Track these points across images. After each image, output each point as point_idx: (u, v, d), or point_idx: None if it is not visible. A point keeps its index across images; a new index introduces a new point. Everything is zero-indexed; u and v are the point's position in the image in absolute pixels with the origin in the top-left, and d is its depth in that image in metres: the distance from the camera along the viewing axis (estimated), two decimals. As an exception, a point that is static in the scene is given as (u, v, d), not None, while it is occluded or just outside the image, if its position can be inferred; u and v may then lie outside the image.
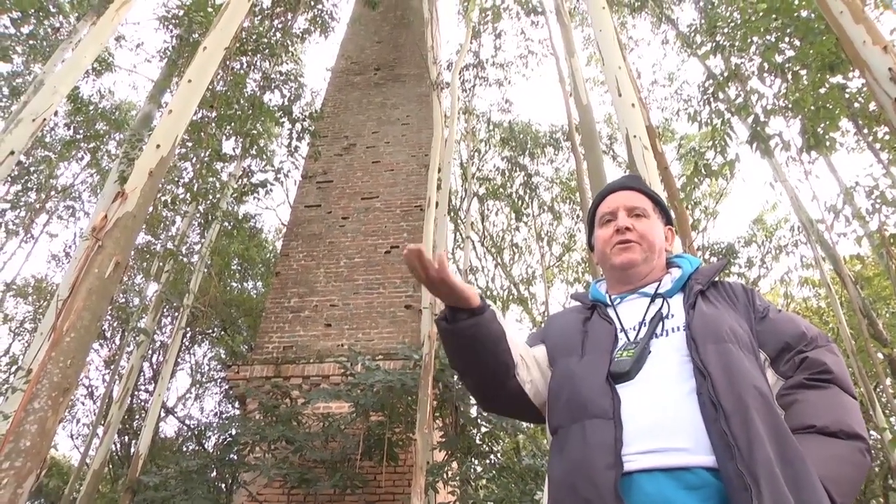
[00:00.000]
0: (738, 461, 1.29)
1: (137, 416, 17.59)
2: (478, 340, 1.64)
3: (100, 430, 11.49)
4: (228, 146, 13.08)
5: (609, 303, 1.79)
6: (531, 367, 1.75)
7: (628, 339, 1.63)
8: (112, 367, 15.51)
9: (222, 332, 18.55)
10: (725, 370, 1.44)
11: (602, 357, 1.60)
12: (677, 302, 1.69)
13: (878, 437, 9.24)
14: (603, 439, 1.42)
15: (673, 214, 1.79)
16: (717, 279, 1.79)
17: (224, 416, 18.88)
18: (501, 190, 22.44)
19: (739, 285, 1.77)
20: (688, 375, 1.47)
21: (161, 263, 12.64)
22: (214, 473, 9.41)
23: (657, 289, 1.74)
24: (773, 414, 1.39)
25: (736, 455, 1.30)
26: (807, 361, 1.54)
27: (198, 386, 20.87)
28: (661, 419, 1.43)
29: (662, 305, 1.68)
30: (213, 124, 11.47)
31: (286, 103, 13.03)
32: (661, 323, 1.64)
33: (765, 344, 1.61)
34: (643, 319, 1.66)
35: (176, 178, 12.49)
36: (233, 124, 11.86)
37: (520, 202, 22.06)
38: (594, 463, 1.40)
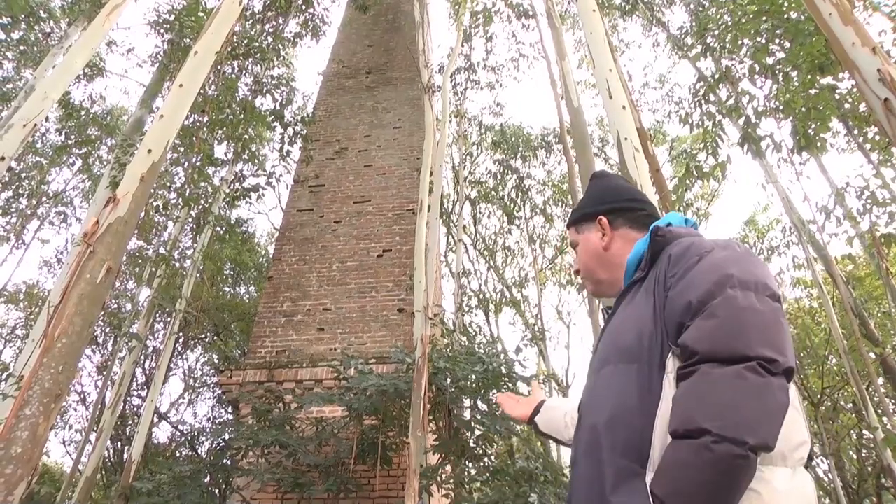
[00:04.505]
0: None
1: (130, 422, 17.56)
2: (545, 434, 2.03)
3: (92, 437, 11.45)
4: (220, 151, 13.07)
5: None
6: None
7: None
8: (104, 372, 15.46)
9: (215, 337, 18.52)
10: (586, 408, 1.50)
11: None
12: None
13: (871, 436, 9.25)
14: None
15: (613, 206, 1.78)
16: (670, 254, 1.48)
17: (217, 421, 18.87)
18: (493, 193, 22.50)
19: (667, 256, 1.47)
20: None
21: (153, 269, 12.58)
22: (208, 479, 9.35)
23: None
24: (598, 450, 1.36)
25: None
26: (682, 346, 1.29)
27: (191, 391, 20.83)
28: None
29: (608, 321, 1.67)
30: (205, 129, 11.42)
31: (278, 107, 13.01)
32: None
33: (668, 332, 1.37)
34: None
35: (168, 183, 12.45)
36: (224, 129, 11.82)
37: (512, 205, 22.11)
38: None
